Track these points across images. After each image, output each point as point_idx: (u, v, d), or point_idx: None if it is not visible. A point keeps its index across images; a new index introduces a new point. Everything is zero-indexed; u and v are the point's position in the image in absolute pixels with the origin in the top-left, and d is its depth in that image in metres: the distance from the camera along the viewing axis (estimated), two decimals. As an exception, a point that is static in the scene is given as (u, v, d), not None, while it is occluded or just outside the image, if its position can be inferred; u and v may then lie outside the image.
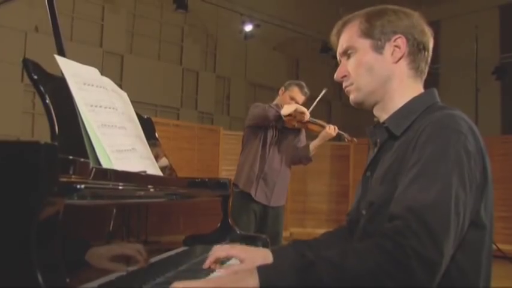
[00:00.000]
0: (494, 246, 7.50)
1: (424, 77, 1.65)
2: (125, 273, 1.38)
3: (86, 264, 1.21)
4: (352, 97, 1.66)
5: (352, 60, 1.63)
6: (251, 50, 11.51)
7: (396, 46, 1.57)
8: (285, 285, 1.23)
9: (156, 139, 2.36)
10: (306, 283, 1.22)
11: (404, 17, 1.59)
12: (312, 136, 4.75)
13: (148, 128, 2.23)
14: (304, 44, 12.46)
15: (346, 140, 4.78)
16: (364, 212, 1.57)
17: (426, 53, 1.61)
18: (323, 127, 4.60)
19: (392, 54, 1.58)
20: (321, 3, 11.63)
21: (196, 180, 2.31)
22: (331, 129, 4.57)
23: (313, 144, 4.66)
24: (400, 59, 1.58)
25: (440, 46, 11.93)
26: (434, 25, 12.43)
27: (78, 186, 1.17)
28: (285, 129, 4.62)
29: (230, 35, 10.94)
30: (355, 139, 4.79)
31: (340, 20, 1.70)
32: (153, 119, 2.44)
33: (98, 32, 9.30)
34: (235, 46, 11.16)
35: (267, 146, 4.58)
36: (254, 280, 1.24)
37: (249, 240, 2.33)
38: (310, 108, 4.56)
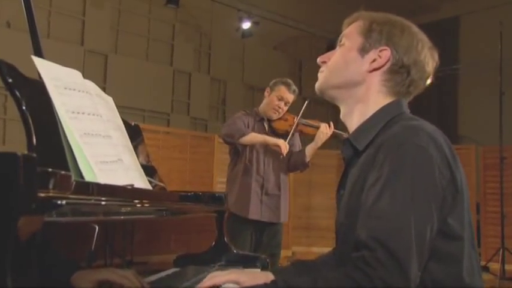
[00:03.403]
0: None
1: (403, 99, 1.71)
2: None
3: (67, 288, 1.22)
4: (317, 83, 1.80)
5: (338, 50, 1.77)
6: (249, 50, 11.54)
7: (379, 56, 1.68)
8: None
9: (145, 148, 2.36)
10: None
11: (407, 37, 1.68)
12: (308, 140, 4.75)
13: (135, 136, 2.23)
14: (307, 43, 12.49)
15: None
16: (338, 232, 1.69)
17: (407, 78, 1.68)
18: (317, 128, 4.60)
19: (371, 62, 1.68)
20: (327, -3, 11.68)
21: (189, 194, 2.32)
22: (326, 128, 4.55)
23: (309, 148, 4.64)
24: (375, 70, 1.68)
25: (460, 45, 11.95)
26: (454, 21, 12.48)
27: (59, 202, 1.17)
28: (276, 135, 4.64)
29: (226, 33, 10.97)
30: None
31: (358, 12, 1.81)
32: (141, 126, 2.45)
33: (79, 29, 9.31)
34: (232, 45, 11.18)
35: (260, 158, 4.58)
36: None
37: (247, 261, 2.34)
38: (297, 119, 4.60)
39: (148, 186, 2.02)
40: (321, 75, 1.78)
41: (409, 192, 1.39)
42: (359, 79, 1.69)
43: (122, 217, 1.57)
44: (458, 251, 1.48)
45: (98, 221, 1.38)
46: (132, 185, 1.68)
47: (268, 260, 2.39)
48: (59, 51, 7.97)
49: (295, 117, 4.64)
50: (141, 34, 10.15)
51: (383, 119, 1.64)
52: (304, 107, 4.63)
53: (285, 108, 4.63)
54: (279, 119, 4.64)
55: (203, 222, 2.36)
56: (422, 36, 1.71)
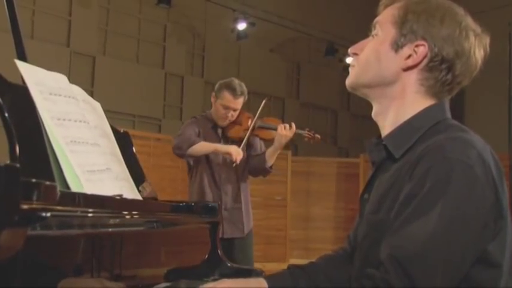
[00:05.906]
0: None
1: (443, 98, 1.63)
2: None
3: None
4: (347, 80, 1.70)
5: (370, 42, 1.67)
6: (245, 52, 11.55)
7: (415, 52, 1.56)
8: None
9: (134, 156, 2.36)
10: None
11: (448, 27, 1.55)
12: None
13: (125, 143, 2.24)
14: (306, 45, 12.50)
15: (306, 137, 4.58)
16: (360, 243, 1.65)
17: (449, 74, 1.57)
18: (275, 130, 4.36)
19: (406, 58, 1.57)
20: (327, -3, 11.70)
21: (181, 204, 2.31)
22: (285, 130, 4.30)
23: (269, 152, 4.41)
24: (410, 68, 1.57)
25: (466, 47, 11.94)
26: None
27: (43, 214, 1.17)
28: (232, 141, 4.43)
29: (220, 35, 10.97)
30: (318, 135, 4.59)
31: None
32: (131, 132, 2.46)
33: (65, 29, 9.30)
34: (227, 47, 11.19)
35: (216, 169, 4.40)
36: None
37: (242, 274, 2.33)
38: (252, 123, 4.41)
39: (138, 196, 2.02)
40: (352, 71, 1.68)
41: (447, 217, 1.33)
42: (393, 78, 1.59)
43: (110, 229, 1.57)
44: (495, 280, 1.41)
45: (85, 233, 1.38)
46: (120, 195, 1.69)
47: (263, 272, 2.39)
48: (44, 52, 7.98)
49: (251, 119, 4.45)
50: (131, 35, 10.14)
51: (425, 124, 1.55)
52: (260, 108, 4.47)
53: (235, 114, 4.40)
54: (233, 123, 4.43)
55: (196, 234, 2.36)
56: (468, 23, 1.57)
